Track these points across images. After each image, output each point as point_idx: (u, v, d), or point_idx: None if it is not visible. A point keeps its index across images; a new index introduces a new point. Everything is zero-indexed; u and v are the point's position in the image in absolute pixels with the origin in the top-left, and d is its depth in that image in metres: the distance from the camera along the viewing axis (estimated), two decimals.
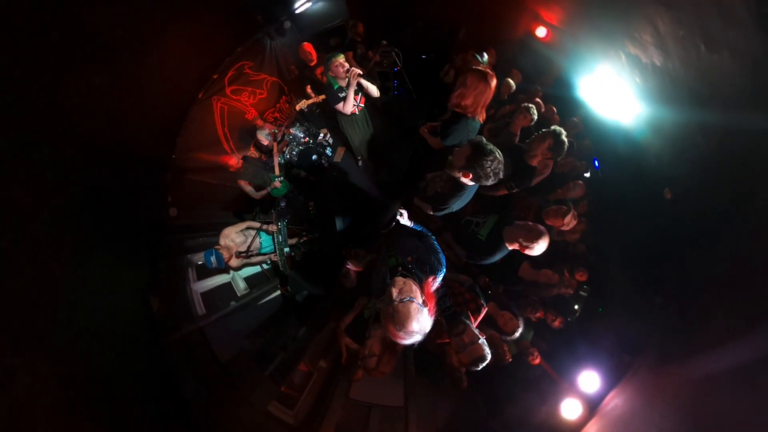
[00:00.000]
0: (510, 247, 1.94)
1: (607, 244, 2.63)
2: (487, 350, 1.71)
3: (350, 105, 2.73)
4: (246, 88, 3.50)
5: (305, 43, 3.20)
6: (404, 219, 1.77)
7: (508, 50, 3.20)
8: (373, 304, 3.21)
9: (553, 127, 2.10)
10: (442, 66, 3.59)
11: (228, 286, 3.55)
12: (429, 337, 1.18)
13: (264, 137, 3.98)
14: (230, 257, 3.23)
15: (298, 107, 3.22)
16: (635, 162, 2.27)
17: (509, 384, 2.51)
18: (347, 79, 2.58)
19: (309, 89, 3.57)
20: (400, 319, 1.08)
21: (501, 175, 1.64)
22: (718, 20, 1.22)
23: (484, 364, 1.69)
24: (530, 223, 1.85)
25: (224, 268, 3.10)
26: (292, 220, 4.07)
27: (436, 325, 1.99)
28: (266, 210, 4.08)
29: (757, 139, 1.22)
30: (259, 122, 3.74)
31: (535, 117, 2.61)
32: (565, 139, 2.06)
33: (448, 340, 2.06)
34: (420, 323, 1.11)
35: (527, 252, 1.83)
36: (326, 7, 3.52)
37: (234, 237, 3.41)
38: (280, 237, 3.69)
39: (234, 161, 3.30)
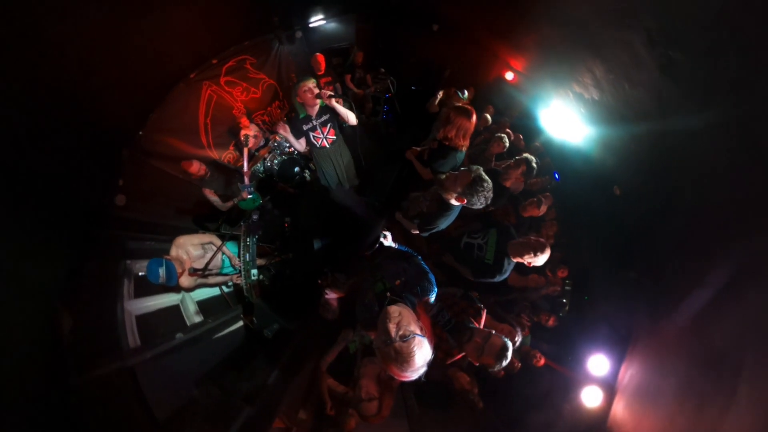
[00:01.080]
0: (516, 261, 2.08)
1: (576, 239, 3.06)
2: (504, 338, 1.70)
3: (298, 146, 2.69)
4: (241, 83, 3.37)
5: (318, 54, 3.41)
6: (388, 241, 1.75)
7: (484, 89, 4.07)
8: (359, 336, 2.86)
9: (525, 155, 2.61)
10: (428, 98, 4.23)
11: (175, 311, 2.70)
12: (435, 362, 1.14)
13: (251, 138, 3.73)
14: (182, 273, 2.56)
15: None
16: (588, 171, 2.94)
17: (521, 397, 2.43)
18: (317, 105, 2.51)
19: None
20: (403, 359, 1.03)
21: (489, 201, 1.87)
22: (635, 68, 1.89)
23: (510, 353, 1.66)
24: (532, 238, 2.04)
25: (174, 286, 2.42)
26: (264, 237, 3.61)
27: (443, 345, 1.89)
28: (233, 221, 3.57)
29: (668, 141, 1.86)
30: (245, 121, 3.53)
31: (508, 145, 3.19)
32: (535, 165, 2.57)
33: (459, 356, 1.98)
34: (424, 355, 1.07)
35: (532, 264, 1.99)
36: (337, 28, 3.93)
37: (190, 249, 2.79)
38: (247, 255, 3.16)
39: (195, 168, 2.78)
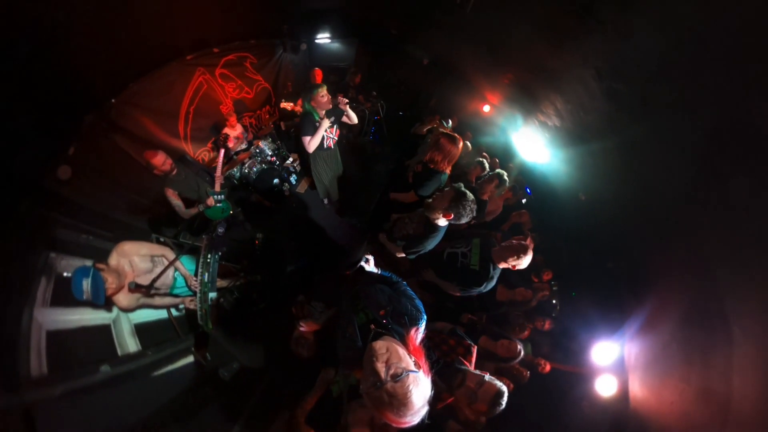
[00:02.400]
0: (501, 266, 2.19)
1: (553, 243, 3.43)
2: (500, 383, 1.64)
3: (316, 143, 2.69)
4: (237, 79, 3.32)
5: (317, 69, 3.65)
6: (370, 266, 1.68)
7: (465, 118, 4.76)
8: (343, 376, 2.56)
9: (497, 171, 3.06)
10: (414, 123, 4.76)
11: (103, 334, 2.04)
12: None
13: (232, 138, 3.57)
14: (119, 289, 2.08)
15: (282, 105, 3.23)
16: (555, 183, 3.47)
17: (538, 408, 2.33)
18: (331, 108, 2.63)
19: (300, 102, 3.74)
20: (399, 402, 0.94)
21: (474, 213, 2.05)
22: (588, 98, 2.46)
23: (505, 399, 1.59)
24: (513, 241, 2.18)
25: (102, 304, 1.92)
26: (229, 254, 3.23)
27: (432, 387, 1.80)
28: (196, 230, 3.17)
29: (618, 152, 2.36)
30: (233, 119, 3.40)
31: (487, 168, 3.65)
32: (507, 179, 3.00)
33: (451, 399, 1.90)
34: (422, 393, 0.98)
35: (516, 268, 2.13)
36: (340, 48, 4.30)
37: (136, 260, 2.32)
38: (206, 275, 2.74)
39: (159, 160, 2.39)
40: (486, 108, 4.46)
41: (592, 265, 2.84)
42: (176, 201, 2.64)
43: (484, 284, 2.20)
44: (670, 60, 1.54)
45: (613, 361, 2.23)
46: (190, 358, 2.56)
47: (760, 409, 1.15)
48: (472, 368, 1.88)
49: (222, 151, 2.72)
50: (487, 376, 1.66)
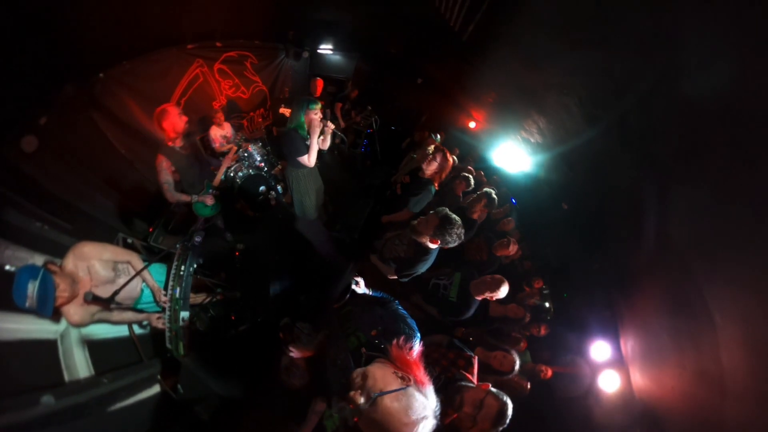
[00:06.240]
0: (479, 299, 2.33)
1: (541, 250, 3.67)
2: (503, 398, 1.61)
3: (314, 157, 2.58)
4: (234, 78, 3.21)
5: (318, 78, 3.69)
6: (361, 287, 1.65)
7: (453, 133, 5.00)
8: (338, 409, 2.35)
9: (485, 189, 3.14)
10: (405, 138, 4.99)
11: (47, 352, 1.59)
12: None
13: (219, 137, 3.39)
14: (71, 298, 1.73)
15: (281, 111, 3.22)
16: (538, 193, 3.77)
17: (545, 416, 2.33)
18: (321, 128, 2.49)
19: (286, 111, 3.73)
20: (381, 427, 0.88)
21: (463, 238, 2.10)
22: (569, 119, 2.83)
23: (509, 414, 1.57)
24: (488, 277, 2.32)
25: (48, 316, 1.59)
26: (206, 266, 2.93)
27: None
28: (173, 229, 2.86)
29: (594, 164, 2.70)
30: (220, 117, 3.24)
31: (472, 183, 3.89)
32: (495, 197, 3.13)
33: (455, 415, 1.82)
34: (410, 408, 0.90)
35: (494, 298, 2.28)
36: (340, 61, 4.47)
37: (97, 266, 1.97)
38: (178, 290, 2.42)
39: (175, 113, 2.03)
40: (472, 124, 4.86)
41: (579, 268, 3.04)
42: (168, 177, 2.24)
43: (463, 314, 2.29)
44: (642, 93, 1.82)
45: (613, 357, 2.32)
46: (156, 389, 2.10)
47: (750, 382, 1.28)
48: (474, 380, 1.83)
49: (234, 148, 2.61)
50: (489, 390, 1.61)
